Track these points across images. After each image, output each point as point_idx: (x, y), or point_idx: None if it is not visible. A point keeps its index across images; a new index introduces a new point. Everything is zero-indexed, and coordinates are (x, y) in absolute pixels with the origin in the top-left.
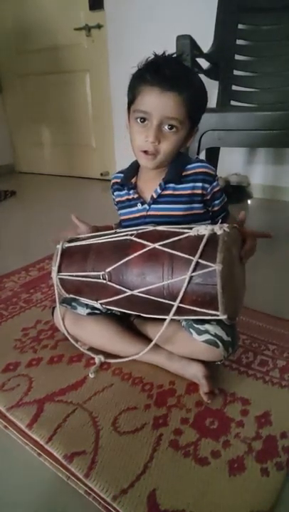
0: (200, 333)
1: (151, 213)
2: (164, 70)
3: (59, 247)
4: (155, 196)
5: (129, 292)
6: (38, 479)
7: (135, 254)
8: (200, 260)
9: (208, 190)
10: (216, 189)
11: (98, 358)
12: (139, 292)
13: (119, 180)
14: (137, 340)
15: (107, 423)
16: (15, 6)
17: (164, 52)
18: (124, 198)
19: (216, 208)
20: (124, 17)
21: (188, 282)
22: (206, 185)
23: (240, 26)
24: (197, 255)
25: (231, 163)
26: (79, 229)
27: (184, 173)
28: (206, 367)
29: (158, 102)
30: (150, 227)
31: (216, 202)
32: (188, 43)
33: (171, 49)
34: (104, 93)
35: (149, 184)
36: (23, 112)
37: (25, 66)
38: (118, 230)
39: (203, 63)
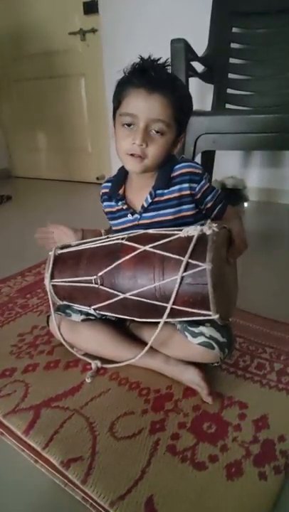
0: (195, 335)
1: (142, 222)
2: (150, 72)
3: (51, 254)
4: (146, 205)
5: (121, 295)
6: (35, 486)
7: (126, 257)
8: (190, 260)
9: (197, 189)
10: (204, 187)
11: (95, 364)
12: (131, 295)
13: (107, 191)
14: (133, 345)
15: (104, 428)
16: (9, 11)
17: (149, 56)
18: (114, 209)
19: (209, 205)
20: (119, 21)
21: (180, 283)
22: (194, 185)
23: (234, 30)
24: (187, 255)
25: (227, 167)
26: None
27: (171, 175)
28: (203, 370)
29: (144, 104)
30: (141, 231)
31: (208, 199)
32: (182, 47)
33: (165, 53)
34: (100, 97)
35: (138, 194)
36: (18, 116)
37: (20, 71)
38: (110, 235)
39: (198, 67)
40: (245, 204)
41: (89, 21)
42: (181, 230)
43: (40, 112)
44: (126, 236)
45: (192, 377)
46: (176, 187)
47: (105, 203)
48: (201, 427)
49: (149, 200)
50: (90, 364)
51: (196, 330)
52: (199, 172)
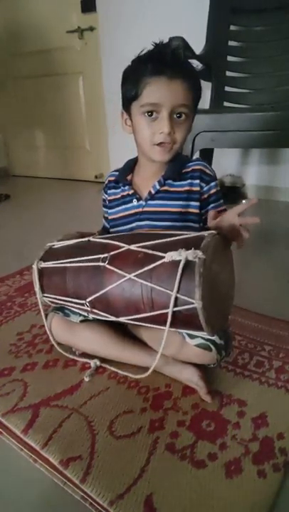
0: (192, 336)
1: (147, 209)
2: (167, 58)
3: (34, 267)
4: (153, 192)
5: (114, 319)
6: (34, 485)
7: (112, 286)
8: (179, 295)
9: (205, 189)
10: (212, 190)
11: (94, 363)
12: (125, 319)
13: (114, 178)
14: (132, 345)
15: (103, 427)
16: (7, 9)
17: (161, 41)
18: (119, 196)
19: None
20: (117, 19)
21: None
22: (203, 184)
23: (232, 27)
24: (175, 289)
25: (225, 164)
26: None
27: (183, 171)
28: (201, 369)
29: (167, 92)
30: (125, 247)
31: (210, 206)
32: (180, 45)
33: None
34: (98, 95)
35: (147, 181)
36: (16, 114)
37: (18, 69)
38: (89, 248)
39: (196, 65)
40: (244, 202)
41: (87, 19)
42: (165, 251)
43: (38, 110)
44: (107, 255)
45: (191, 377)
46: (188, 181)
47: (110, 191)
48: (200, 425)
49: (158, 187)
50: (88, 363)
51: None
52: (211, 174)
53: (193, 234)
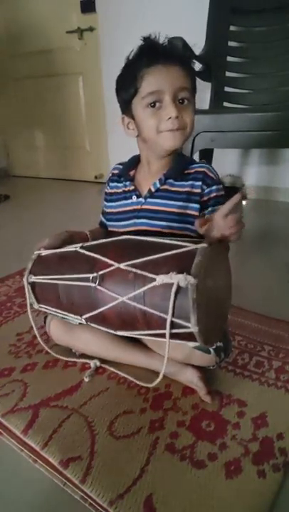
0: None
1: (146, 207)
2: (158, 47)
3: (24, 280)
4: (153, 190)
5: (113, 332)
6: (34, 485)
7: (106, 307)
8: (174, 319)
9: (206, 191)
10: (213, 194)
11: (94, 363)
12: (124, 333)
13: (117, 172)
14: (132, 347)
15: (102, 427)
16: (7, 10)
17: (150, 35)
18: (120, 190)
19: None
20: (117, 19)
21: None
22: (205, 187)
23: (231, 28)
24: (169, 314)
25: (225, 165)
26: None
27: (186, 172)
28: (201, 370)
29: (167, 77)
30: (114, 265)
31: (207, 211)
32: (179, 45)
33: None
34: (98, 96)
35: (149, 179)
36: (16, 115)
37: (18, 69)
38: (78, 261)
39: (196, 65)
40: (244, 202)
41: (86, 20)
42: (157, 274)
43: (39, 111)
44: (96, 275)
45: (190, 378)
46: (189, 182)
47: (112, 184)
48: (200, 425)
49: (158, 185)
50: (88, 363)
51: None
52: (213, 177)
53: (184, 247)
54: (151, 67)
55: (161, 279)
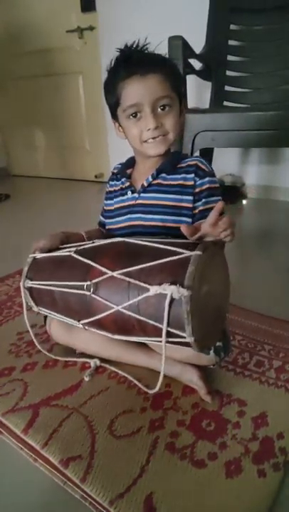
0: None
1: (140, 202)
2: (134, 57)
3: (21, 285)
4: (146, 185)
5: (111, 336)
6: (34, 485)
7: (102, 315)
8: (170, 329)
9: (197, 183)
10: (205, 186)
11: (94, 362)
12: (121, 338)
13: (116, 171)
14: (132, 346)
15: (103, 427)
16: (6, 9)
17: (126, 45)
18: (118, 188)
19: (196, 210)
20: (117, 18)
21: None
22: (197, 178)
23: (232, 27)
24: (164, 325)
25: (225, 164)
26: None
27: (178, 166)
28: (201, 369)
29: (143, 89)
30: (108, 274)
31: (200, 202)
32: (180, 44)
33: (163, 50)
34: (98, 95)
35: (143, 175)
36: (16, 114)
37: (17, 69)
38: (72, 266)
39: (196, 64)
40: (244, 201)
41: (86, 19)
42: (151, 284)
43: (38, 110)
44: (90, 284)
45: (190, 377)
46: (181, 175)
47: (112, 182)
48: (200, 424)
49: (150, 180)
50: (88, 362)
51: None
52: (205, 169)
53: (178, 253)
54: (127, 79)
55: (154, 289)
